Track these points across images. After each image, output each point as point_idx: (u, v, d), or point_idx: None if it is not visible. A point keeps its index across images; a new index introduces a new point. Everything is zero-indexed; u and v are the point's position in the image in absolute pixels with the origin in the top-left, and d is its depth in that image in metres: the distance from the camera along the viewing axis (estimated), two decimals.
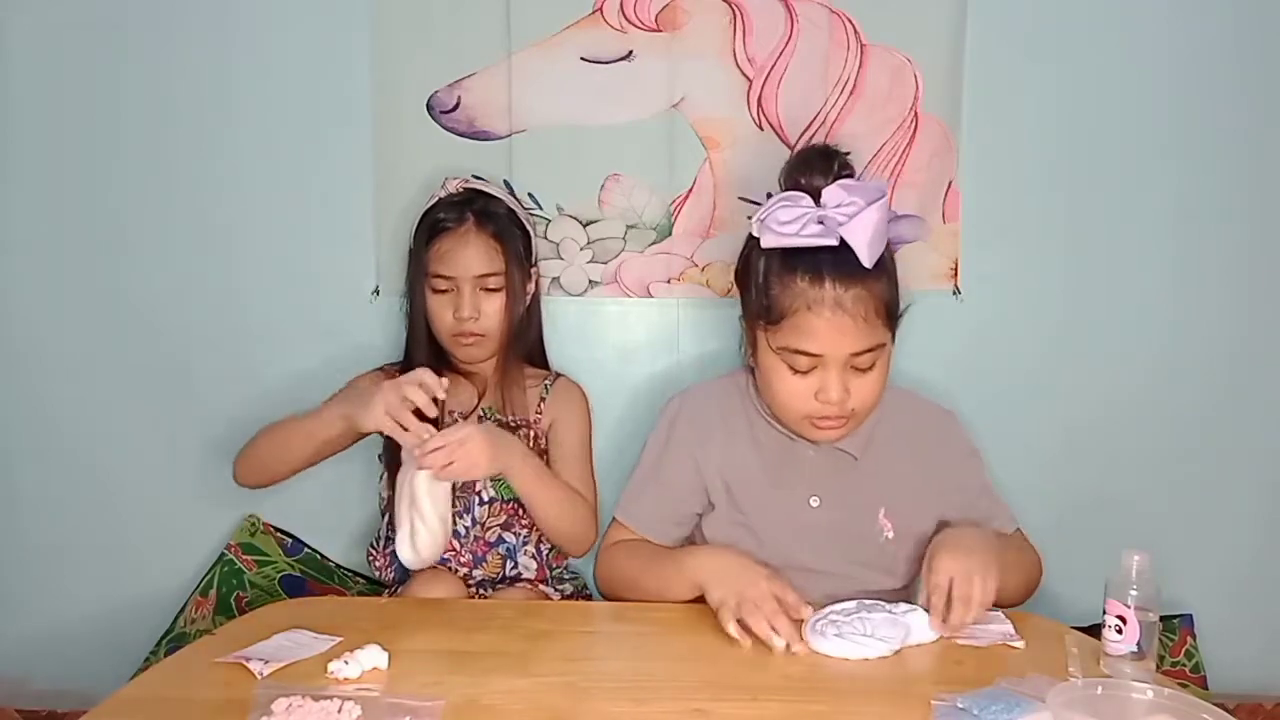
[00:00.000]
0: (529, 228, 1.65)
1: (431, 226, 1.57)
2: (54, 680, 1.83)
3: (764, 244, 1.32)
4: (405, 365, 1.62)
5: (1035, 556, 1.46)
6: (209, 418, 1.79)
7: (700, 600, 1.43)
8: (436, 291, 1.56)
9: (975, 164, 1.74)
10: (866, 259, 1.26)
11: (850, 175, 1.35)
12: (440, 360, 1.61)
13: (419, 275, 1.58)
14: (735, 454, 1.43)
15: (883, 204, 1.27)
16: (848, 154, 1.39)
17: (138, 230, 1.76)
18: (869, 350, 1.30)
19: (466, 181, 1.62)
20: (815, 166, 1.34)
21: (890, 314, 1.32)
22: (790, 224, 1.28)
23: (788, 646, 1.18)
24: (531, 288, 1.65)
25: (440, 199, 1.60)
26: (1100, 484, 1.80)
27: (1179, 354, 1.78)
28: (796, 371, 1.31)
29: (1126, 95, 1.73)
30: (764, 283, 1.32)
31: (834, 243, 1.27)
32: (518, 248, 1.59)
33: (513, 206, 1.64)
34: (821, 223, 1.28)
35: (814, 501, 1.41)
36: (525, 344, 1.66)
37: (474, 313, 1.55)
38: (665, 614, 1.35)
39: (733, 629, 1.21)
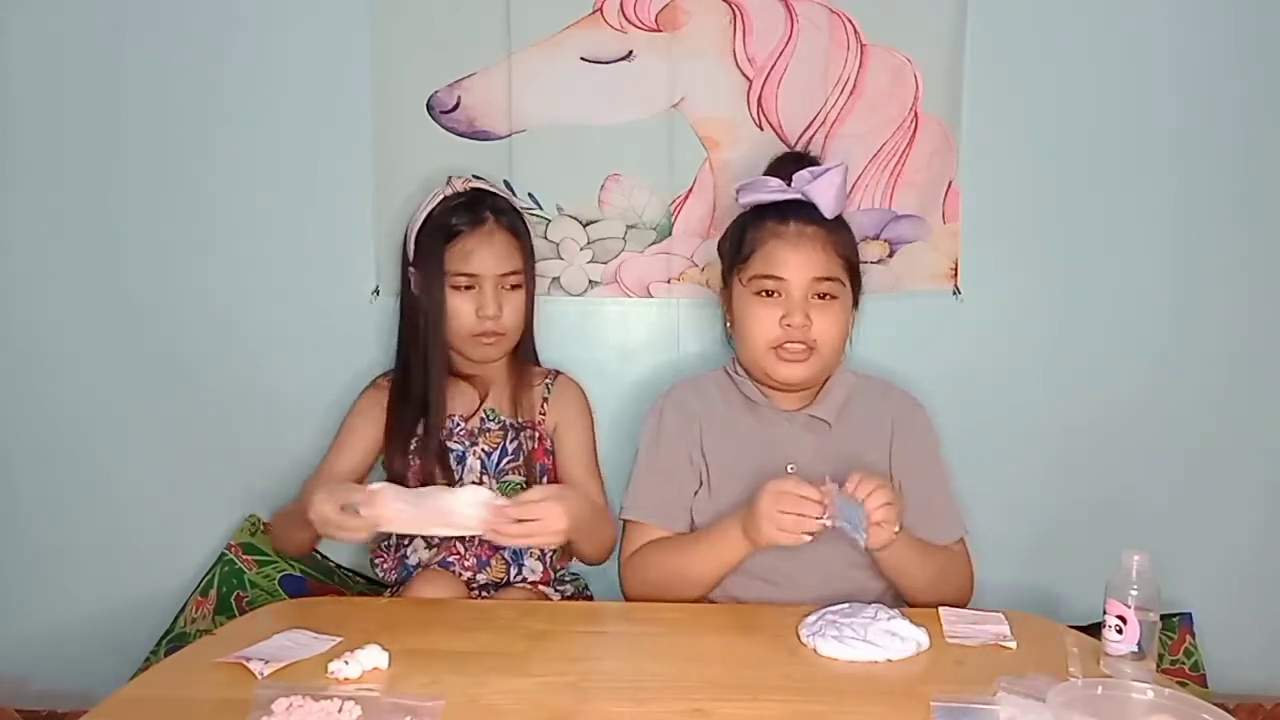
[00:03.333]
0: (531, 227, 1.65)
1: (448, 226, 1.56)
2: (54, 680, 1.83)
3: (742, 201, 1.52)
4: (401, 370, 1.61)
5: (968, 569, 1.48)
6: (209, 418, 1.79)
7: (703, 599, 1.43)
8: (457, 290, 1.55)
9: (975, 164, 1.74)
10: (829, 211, 1.46)
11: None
12: (439, 363, 1.59)
13: (434, 276, 1.55)
14: (716, 436, 1.52)
15: (843, 169, 1.49)
16: (817, 156, 1.65)
17: (137, 230, 1.76)
18: (828, 279, 1.45)
19: (469, 180, 1.61)
20: (788, 167, 1.53)
21: (850, 266, 1.49)
22: (766, 190, 1.50)
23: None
24: (534, 286, 1.65)
25: (446, 198, 1.58)
26: (1100, 484, 1.80)
27: (1179, 354, 1.78)
28: (765, 297, 1.46)
29: (1126, 95, 1.74)
30: (739, 233, 1.51)
31: (800, 197, 1.47)
32: (531, 245, 1.61)
33: (516, 205, 1.63)
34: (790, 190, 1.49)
35: (791, 468, 1.47)
36: (527, 343, 1.66)
37: (498, 310, 1.54)
38: (666, 614, 1.36)
39: (786, 539, 1.28)
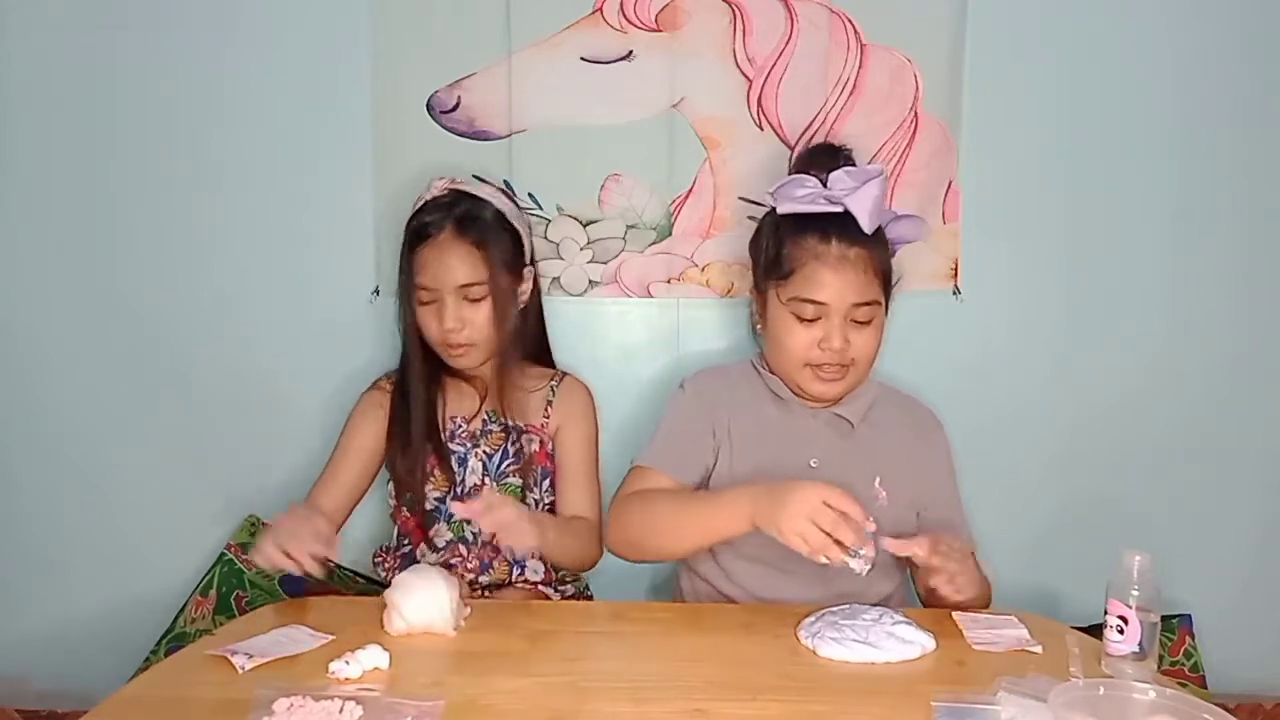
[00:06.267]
0: (520, 227, 1.61)
1: (415, 233, 1.54)
2: (54, 680, 1.83)
3: (780, 210, 1.48)
4: (403, 373, 1.60)
5: (987, 587, 1.46)
6: (209, 418, 1.79)
7: (708, 601, 1.43)
8: (422, 302, 1.54)
9: (975, 164, 1.74)
10: (867, 226, 1.42)
11: (853, 167, 1.51)
12: (439, 366, 1.59)
13: (405, 284, 1.55)
14: (740, 420, 1.51)
15: (881, 181, 1.45)
16: (850, 151, 1.57)
17: (137, 231, 1.76)
18: (867, 304, 1.44)
19: (453, 182, 1.58)
20: (822, 160, 1.52)
21: (886, 279, 1.48)
22: (802, 196, 1.46)
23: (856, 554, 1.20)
24: (527, 287, 1.62)
25: (426, 201, 1.56)
26: (1100, 484, 1.80)
27: (1179, 354, 1.78)
28: (803, 320, 1.44)
29: (1126, 96, 1.73)
30: (776, 244, 1.48)
31: (840, 210, 1.43)
32: (503, 252, 1.55)
33: (501, 207, 1.58)
34: (828, 199, 1.45)
35: (813, 463, 1.47)
36: (525, 345, 1.64)
37: (458, 324, 1.51)
38: (665, 614, 1.36)
39: (821, 559, 1.20)
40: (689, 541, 1.41)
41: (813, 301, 1.43)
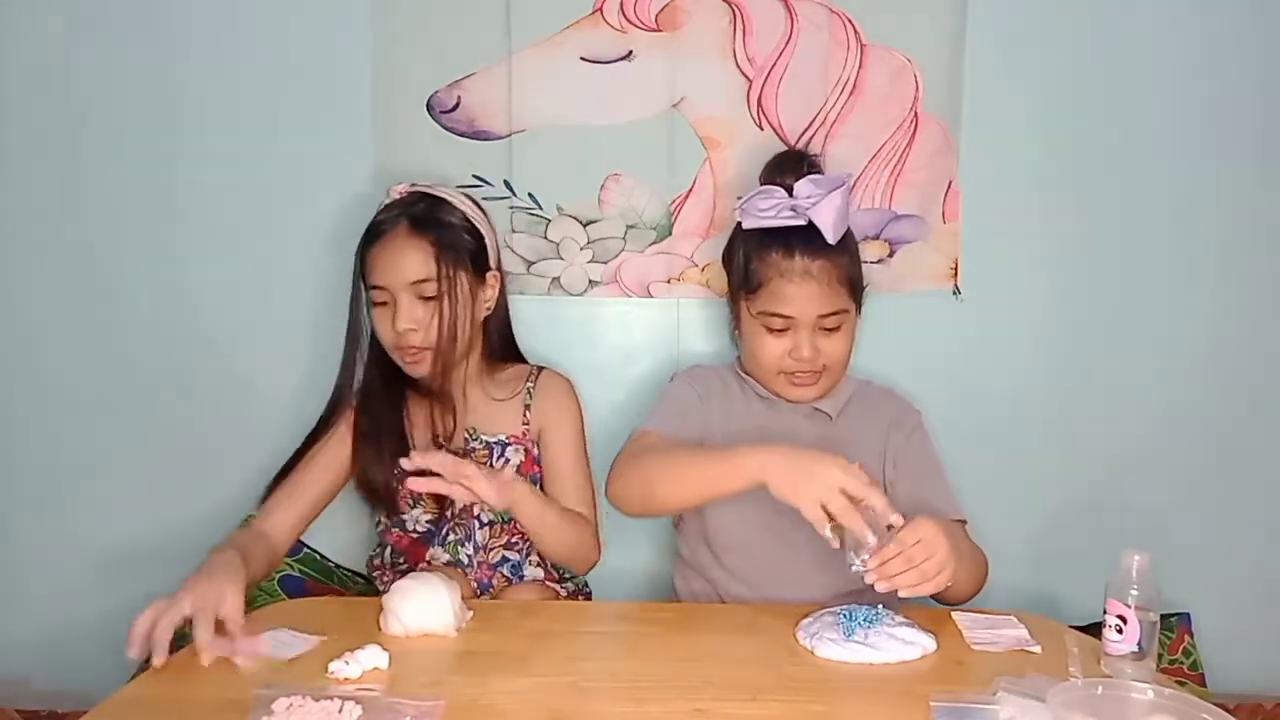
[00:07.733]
0: (484, 230, 1.56)
1: (368, 233, 1.50)
2: (54, 680, 1.83)
3: (744, 226, 1.51)
4: (366, 387, 1.56)
5: (982, 556, 1.45)
6: (209, 419, 1.79)
7: (706, 601, 1.43)
8: (376, 304, 1.49)
9: (975, 164, 1.74)
10: (831, 236, 1.45)
11: (819, 174, 1.55)
12: (406, 384, 1.55)
13: (358, 290, 1.52)
14: (726, 412, 1.55)
15: (845, 190, 1.47)
16: (817, 156, 1.65)
17: (136, 232, 1.76)
18: (834, 314, 1.47)
19: (413, 186, 1.55)
20: (789, 167, 1.54)
21: (853, 286, 1.51)
22: (767, 210, 1.48)
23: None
24: (492, 294, 1.57)
25: (384, 205, 1.53)
26: (1100, 484, 1.80)
27: (1179, 353, 1.79)
28: (773, 331, 1.48)
29: (1127, 95, 1.74)
30: (744, 258, 1.51)
31: (803, 223, 1.45)
32: (459, 250, 1.50)
33: (463, 208, 1.54)
34: (793, 209, 1.47)
35: None
36: (491, 351, 1.61)
37: (411, 324, 1.46)
38: (665, 614, 1.36)
39: (827, 531, 1.20)
40: (691, 489, 1.38)
41: (779, 315, 1.47)
